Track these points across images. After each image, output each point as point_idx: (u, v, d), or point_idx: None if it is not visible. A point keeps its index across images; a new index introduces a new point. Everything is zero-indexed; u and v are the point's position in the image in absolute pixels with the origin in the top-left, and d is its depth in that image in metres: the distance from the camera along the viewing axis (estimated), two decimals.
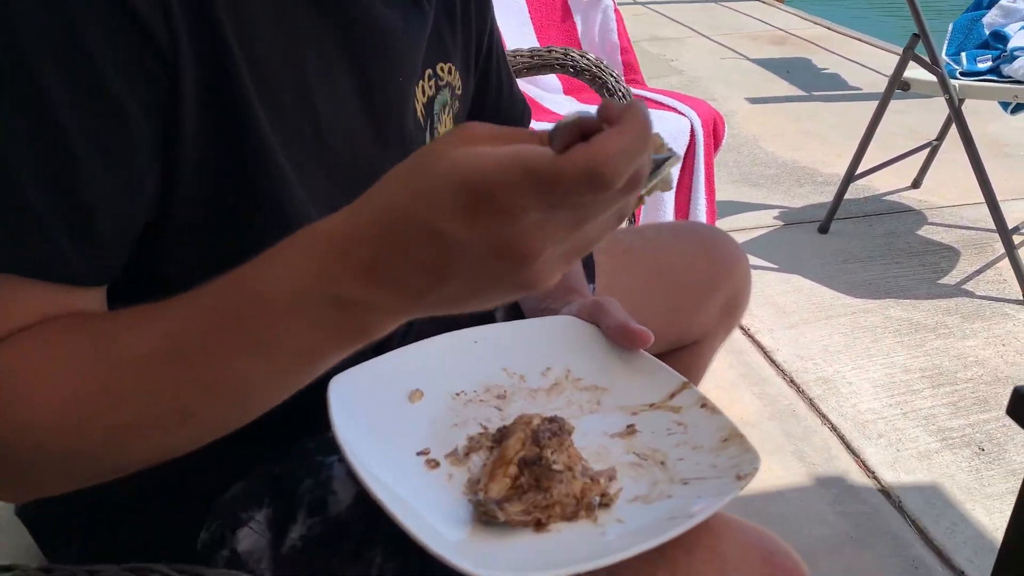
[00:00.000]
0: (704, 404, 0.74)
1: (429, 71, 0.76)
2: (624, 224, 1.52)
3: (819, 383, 1.94)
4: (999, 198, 2.27)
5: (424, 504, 0.63)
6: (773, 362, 2.02)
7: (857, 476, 1.65)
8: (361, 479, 0.60)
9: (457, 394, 0.74)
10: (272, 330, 0.48)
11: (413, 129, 0.74)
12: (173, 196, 0.58)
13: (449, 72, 0.79)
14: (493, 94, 0.91)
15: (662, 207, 2.03)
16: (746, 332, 2.14)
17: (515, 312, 0.97)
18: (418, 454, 0.67)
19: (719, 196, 2.72)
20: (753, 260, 2.48)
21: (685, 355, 1.05)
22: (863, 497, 1.59)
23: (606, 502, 0.66)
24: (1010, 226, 2.28)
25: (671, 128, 2.00)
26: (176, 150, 0.57)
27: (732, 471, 0.67)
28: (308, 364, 0.50)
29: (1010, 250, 2.23)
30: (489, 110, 0.91)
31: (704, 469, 0.68)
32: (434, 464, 0.67)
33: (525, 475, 0.65)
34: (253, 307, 0.48)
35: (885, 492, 1.61)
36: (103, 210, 0.53)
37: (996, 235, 2.30)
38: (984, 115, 3.35)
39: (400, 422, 0.69)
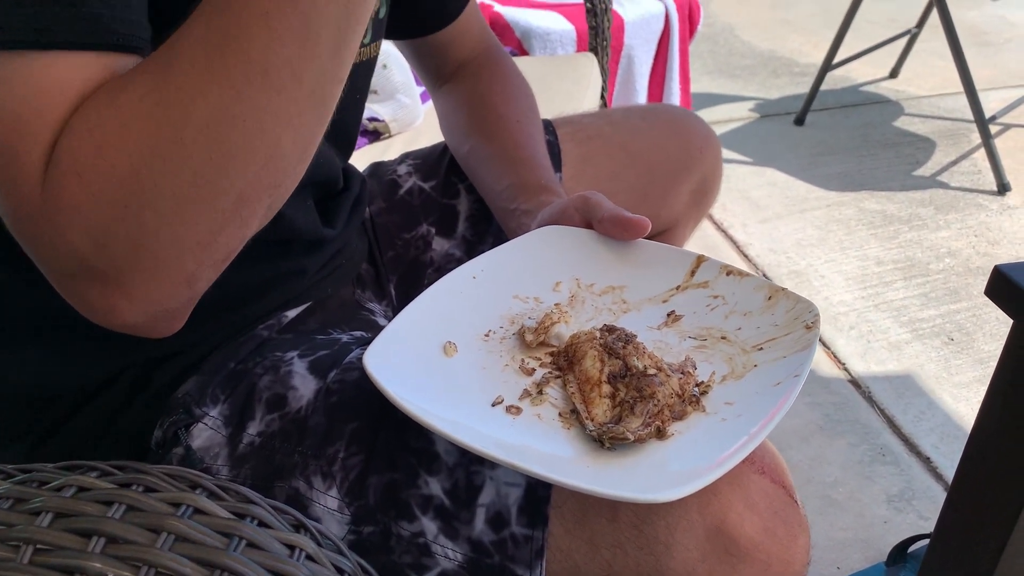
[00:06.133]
0: (729, 271, 0.72)
1: None
2: (595, 107, 1.44)
3: (792, 276, 1.93)
4: (976, 87, 2.22)
5: (540, 451, 0.58)
6: (746, 256, 2.01)
7: (828, 368, 1.65)
8: (475, 449, 0.54)
9: (486, 335, 0.69)
10: None
11: None
12: None
13: None
14: None
15: (634, 95, 1.97)
16: (719, 227, 2.12)
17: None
18: (493, 405, 0.62)
19: (694, 88, 2.66)
20: (728, 153, 2.44)
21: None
22: (833, 388, 1.60)
23: (704, 390, 0.63)
24: (987, 116, 2.25)
25: (644, 12, 1.92)
26: None
27: (797, 324, 0.66)
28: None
29: (986, 140, 2.20)
30: None
31: (768, 331, 0.67)
32: (516, 410, 0.62)
33: (621, 390, 0.61)
34: None
35: (855, 383, 1.62)
36: None
37: (972, 125, 2.27)
38: (963, 2, 3.28)
39: (453, 379, 0.64)
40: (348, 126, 0.79)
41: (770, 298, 0.69)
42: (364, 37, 0.73)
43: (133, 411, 0.71)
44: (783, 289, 0.69)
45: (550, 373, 0.66)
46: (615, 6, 1.83)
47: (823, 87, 2.59)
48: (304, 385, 0.68)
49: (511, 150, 0.84)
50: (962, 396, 1.58)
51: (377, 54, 0.77)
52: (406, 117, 1.41)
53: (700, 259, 0.72)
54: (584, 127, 0.99)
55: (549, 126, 0.98)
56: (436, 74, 0.95)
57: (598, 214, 0.71)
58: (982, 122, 2.20)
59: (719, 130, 2.57)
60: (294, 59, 0.45)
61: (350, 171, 0.85)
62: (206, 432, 0.68)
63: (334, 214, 0.78)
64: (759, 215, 2.16)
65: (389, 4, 0.78)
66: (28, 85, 0.45)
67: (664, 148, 0.98)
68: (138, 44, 0.48)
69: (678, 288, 0.72)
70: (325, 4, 0.45)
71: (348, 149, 0.82)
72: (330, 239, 0.78)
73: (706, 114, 2.67)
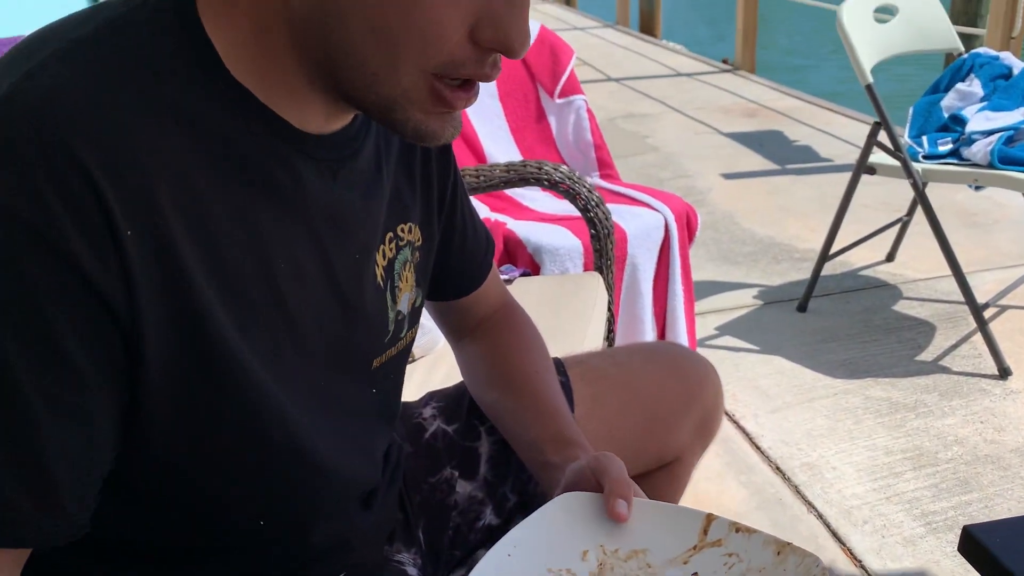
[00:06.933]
0: (738, 528, 0.78)
1: (390, 234, 0.79)
2: (600, 346, 1.54)
3: (804, 469, 1.97)
4: (969, 269, 2.33)
5: None
6: (758, 448, 2.06)
7: (844, 566, 1.68)
8: None
9: None
10: None
11: (373, 294, 0.77)
12: (140, 426, 0.61)
13: (409, 231, 0.82)
14: (457, 239, 0.95)
15: (640, 301, 2.09)
16: (731, 418, 2.18)
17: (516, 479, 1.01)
18: None
19: (698, 276, 2.79)
20: (734, 342, 2.54)
21: (663, 475, 1.09)
22: None
23: None
24: (982, 299, 2.35)
25: (645, 224, 2.07)
26: (140, 388, 0.59)
27: None
28: None
29: (982, 326, 2.29)
30: (454, 253, 0.95)
31: None
32: None
33: None
34: None
35: None
36: (68, 473, 0.56)
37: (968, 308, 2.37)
38: (951, 185, 3.45)
39: None
40: (391, 405, 0.87)
41: (779, 553, 0.75)
42: (401, 330, 0.83)
43: None
44: (788, 544, 0.75)
45: None
46: (617, 219, 1.98)
47: (823, 272, 2.71)
48: None
49: (534, 403, 0.92)
50: None
51: (413, 339, 0.86)
52: (428, 342, 1.52)
53: (709, 517, 0.79)
54: (592, 368, 1.09)
55: (561, 366, 1.08)
56: (457, 329, 1.04)
57: (605, 485, 0.78)
58: (976, 309, 2.30)
59: (725, 319, 2.68)
60: None
61: (391, 443, 0.92)
62: None
63: (374, 497, 0.86)
64: (769, 405, 2.23)
65: (424, 292, 0.88)
66: None
67: (665, 387, 1.07)
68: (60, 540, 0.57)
69: (695, 548, 0.78)
70: None
71: (393, 421, 0.89)
72: (372, 520, 0.86)
73: (711, 302, 2.79)
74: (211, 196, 0.60)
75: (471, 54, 0.60)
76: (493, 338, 1.02)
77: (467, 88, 0.63)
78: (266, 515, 0.72)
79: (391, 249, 0.79)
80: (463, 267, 0.99)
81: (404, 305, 0.82)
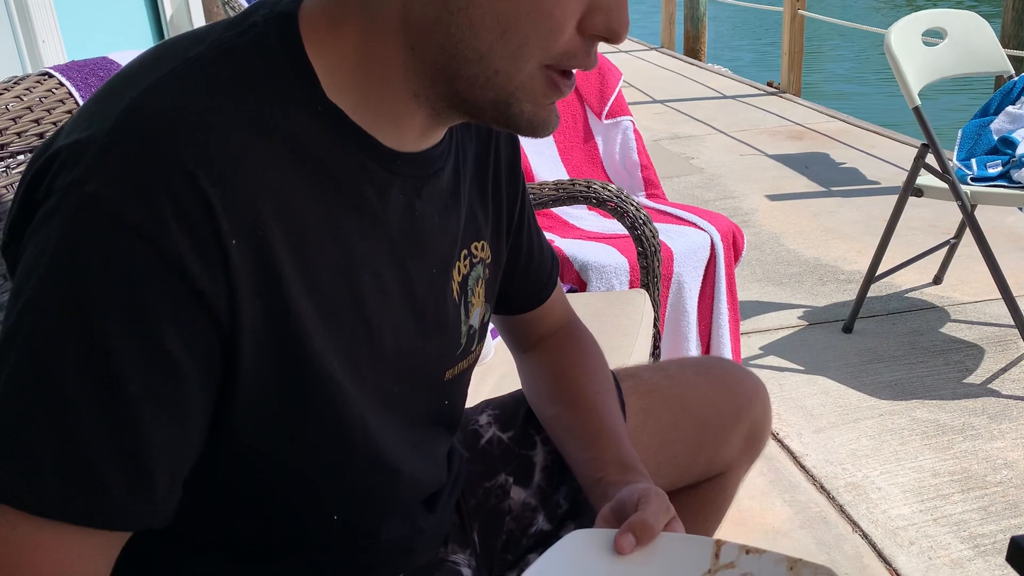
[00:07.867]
0: (748, 550, 0.79)
1: (464, 251, 0.82)
2: (648, 359, 1.55)
3: (849, 489, 1.97)
4: (1019, 292, 2.30)
5: None
6: (803, 467, 2.06)
7: None
8: None
9: None
10: None
11: (449, 308, 0.81)
12: (227, 421, 0.65)
13: (481, 248, 0.86)
14: (523, 257, 0.98)
15: (685, 317, 2.11)
16: (775, 436, 2.19)
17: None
18: None
19: (743, 296, 2.80)
20: (779, 362, 2.54)
21: (711, 487, 1.11)
22: None
23: None
24: None
25: (691, 243, 2.09)
26: (231, 385, 0.63)
27: None
28: None
29: None
30: (520, 270, 0.99)
31: None
32: None
33: None
34: None
35: None
36: (162, 462, 0.60)
37: (1019, 331, 2.35)
38: (1001, 208, 3.42)
39: None
40: (457, 414, 0.90)
41: (791, 568, 0.76)
42: (472, 344, 0.86)
43: None
44: (799, 560, 0.76)
45: None
46: (663, 237, 2.00)
47: (869, 294, 2.70)
48: None
49: (595, 423, 0.95)
50: None
51: (480, 352, 0.90)
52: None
53: (719, 543, 0.80)
54: (644, 381, 1.11)
55: (613, 378, 1.10)
56: (522, 342, 1.07)
57: (630, 518, 0.78)
58: None
59: (769, 339, 2.69)
60: None
61: (452, 449, 0.95)
62: None
63: (438, 499, 0.89)
64: (813, 424, 2.23)
65: (491, 308, 0.91)
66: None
67: (715, 401, 1.09)
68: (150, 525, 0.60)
69: (709, 571, 0.80)
70: None
71: (455, 429, 0.92)
72: (434, 522, 0.89)
73: (756, 322, 2.79)
74: (306, 210, 0.64)
75: (580, 45, 0.65)
76: (556, 354, 1.05)
77: (567, 75, 0.67)
78: (340, 513, 0.75)
79: (465, 266, 0.83)
80: (529, 283, 1.02)
81: (475, 320, 0.86)
